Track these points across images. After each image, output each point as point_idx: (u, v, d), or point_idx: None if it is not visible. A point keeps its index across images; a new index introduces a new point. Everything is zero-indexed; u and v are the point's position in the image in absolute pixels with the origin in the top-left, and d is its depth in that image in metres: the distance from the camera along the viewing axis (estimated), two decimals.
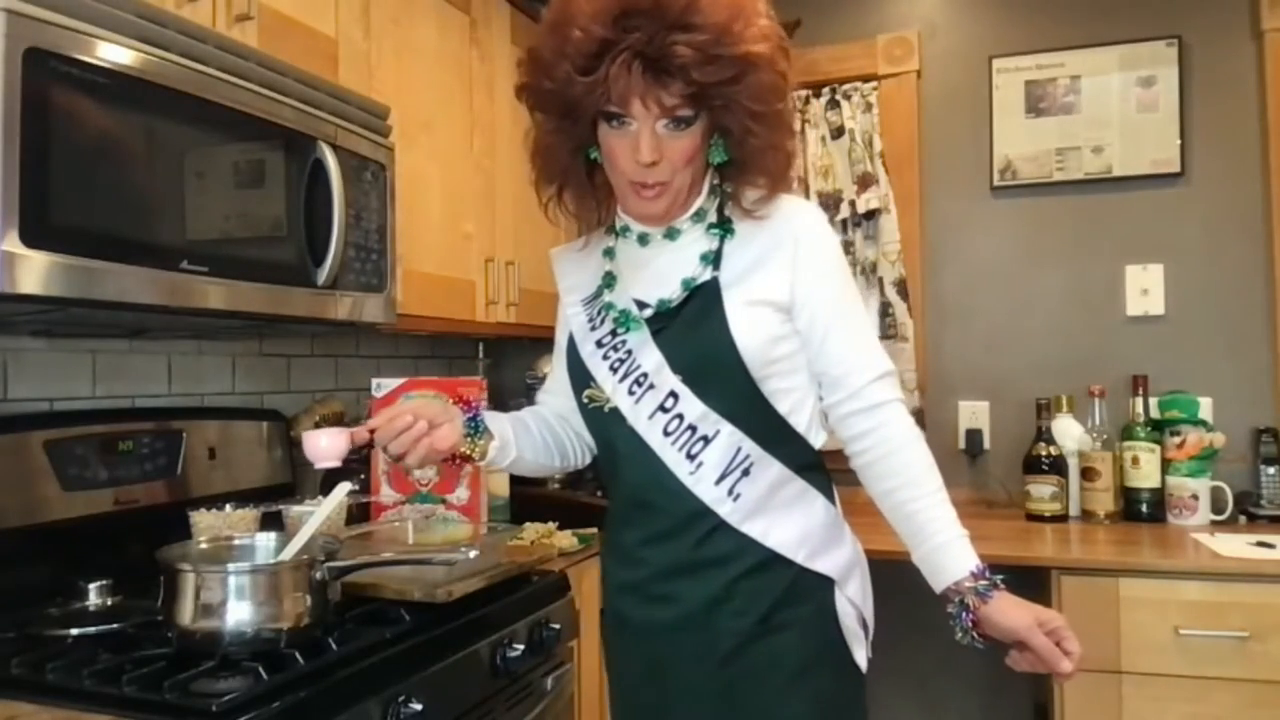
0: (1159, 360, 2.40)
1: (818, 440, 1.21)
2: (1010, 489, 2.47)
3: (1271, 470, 2.25)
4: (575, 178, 1.23)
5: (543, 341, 1.38)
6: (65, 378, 1.54)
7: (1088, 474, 2.29)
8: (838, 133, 2.63)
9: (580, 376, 1.24)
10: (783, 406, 1.17)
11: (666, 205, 1.18)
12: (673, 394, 1.15)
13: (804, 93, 2.65)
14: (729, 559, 1.15)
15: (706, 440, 1.14)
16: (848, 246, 2.63)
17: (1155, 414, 2.30)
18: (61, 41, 1.06)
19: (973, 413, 2.58)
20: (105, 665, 1.09)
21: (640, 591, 1.21)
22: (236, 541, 1.30)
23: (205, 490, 1.64)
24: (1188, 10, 2.42)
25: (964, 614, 1.13)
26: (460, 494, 1.85)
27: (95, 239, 1.10)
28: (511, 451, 1.28)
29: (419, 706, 1.15)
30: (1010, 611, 1.11)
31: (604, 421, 1.22)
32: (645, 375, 1.17)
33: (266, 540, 1.30)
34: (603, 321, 1.22)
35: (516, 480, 2.05)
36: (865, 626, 1.23)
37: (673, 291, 1.18)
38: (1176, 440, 2.24)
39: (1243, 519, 2.22)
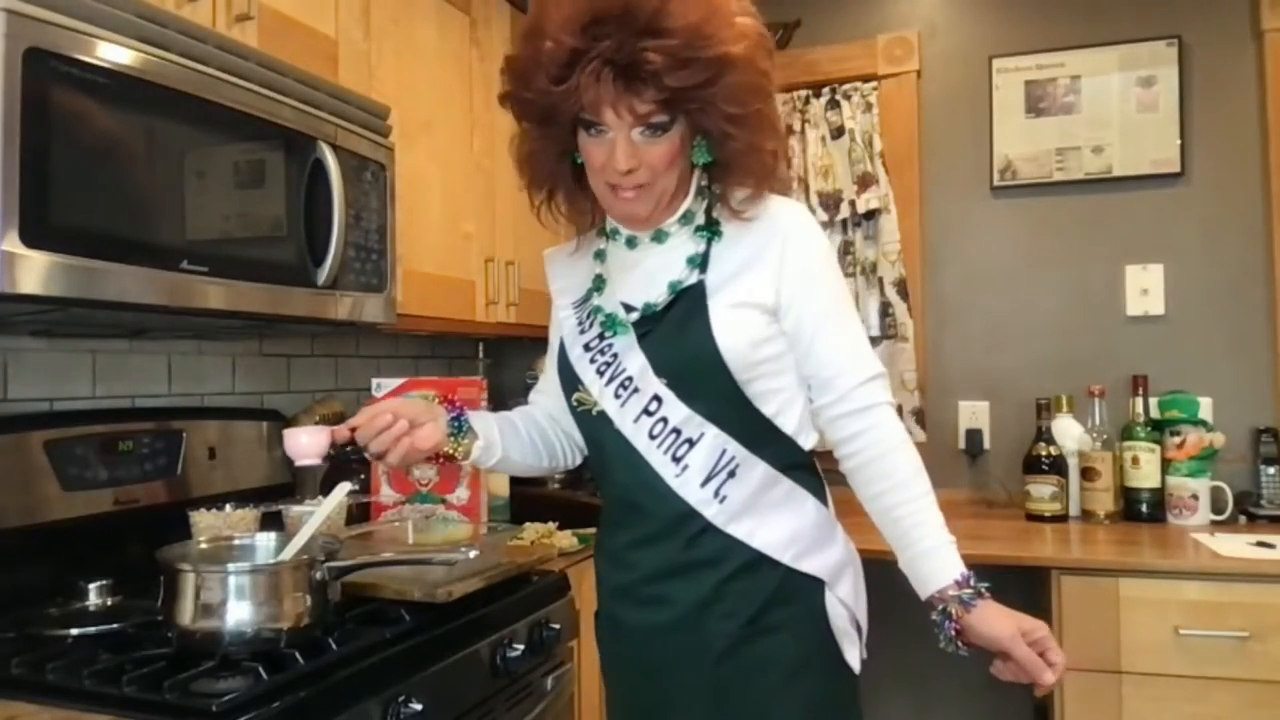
0: (1159, 360, 2.40)
1: (808, 441, 1.21)
2: (1010, 489, 2.47)
3: (1271, 470, 2.25)
4: (564, 182, 1.23)
5: (542, 341, 1.38)
6: (65, 378, 1.54)
7: (1088, 474, 2.29)
8: (838, 133, 2.63)
9: (569, 379, 1.24)
10: (769, 408, 1.17)
11: (649, 207, 1.17)
12: (656, 397, 1.15)
13: (804, 93, 2.65)
14: (717, 561, 1.15)
15: (691, 443, 1.14)
16: (847, 246, 2.63)
17: (1155, 414, 2.30)
18: (61, 41, 1.06)
19: (973, 413, 2.58)
20: (105, 665, 1.09)
21: (631, 594, 1.22)
22: (236, 541, 1.31)
23: (205, 490, 1.64)
24: (1188, 10, 2.42)
25: (947, 622, 1.13)
26: (460, 494, 1.86)
27: (95, 239, 1.10)
28: (497, 452, 1.29)
29: (419, 706, 1.15)
30: (994, 621, 1.11)
31: (592, 424, 1.22)
32: (630, 379, 1.17)
33: (266, 540, 1.30)
34: (591, 325, 1.23)
35: (516, 480, 2.05)
36: (858, 627, 1.22)
37: (659, 295, 1.18)
38: (1176, 440, 2.24)
39: (1243, 519, 2.21)
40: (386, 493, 1.85)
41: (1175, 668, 1.83)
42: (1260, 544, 1.94)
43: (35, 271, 1.03)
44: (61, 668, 1.09)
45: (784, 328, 1.17)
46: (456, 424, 1.24)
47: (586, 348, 1.22)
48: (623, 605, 1.23)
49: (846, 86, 2.63)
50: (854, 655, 1.21)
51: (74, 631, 1.22)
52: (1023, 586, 2.43)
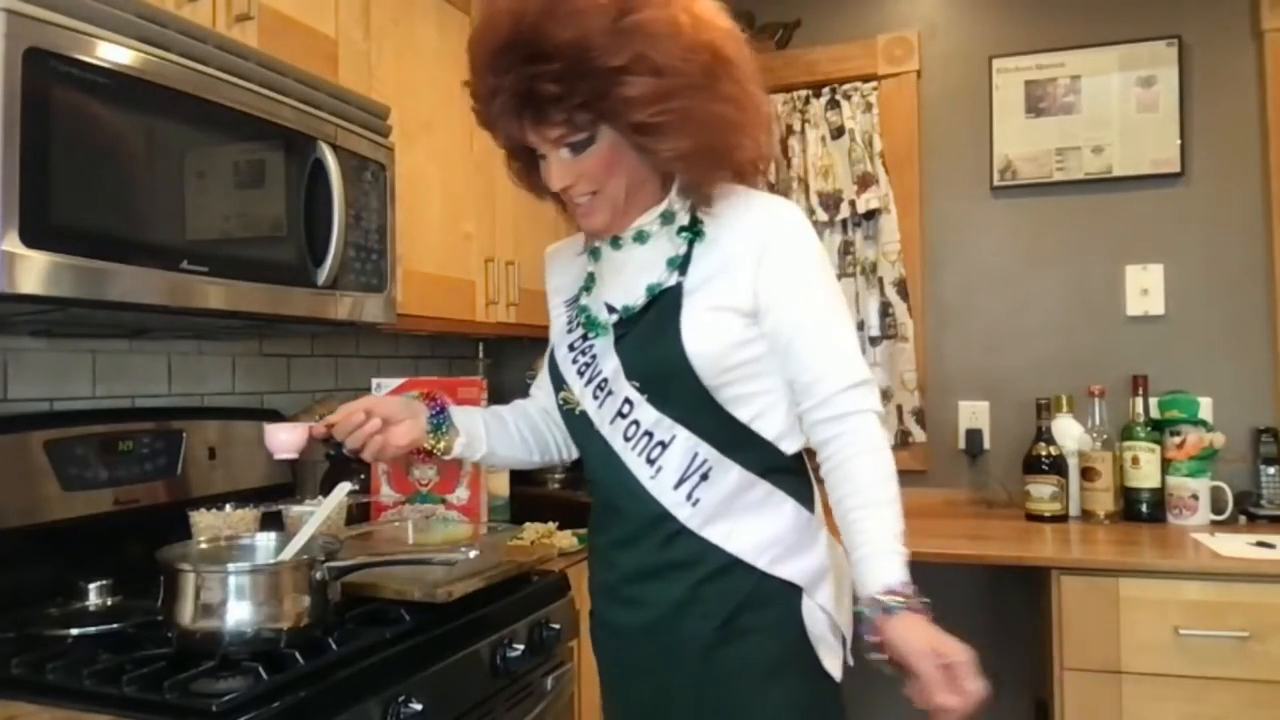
0: (1159, 360, 2.40)
1: (793, 445, 1.18)
2: (1010, 489, 2.47)
3: (1271, 470, 2.25)
4: (547, 190, 1.23)
5: (542, 341, 1.39)
6: (65, 378, 1.54)
7: (1088, 474, 2.29)
8: (838, 133, 2.62)
9: (556, 378, 1.25)
10: (746, 412, 1.15)
11: (605, 216, 1.17)
12: (628, 400, 1.15)
13: (804, 93, 2.66)
14: (692, 563, 1.15)
15: (664, 445, 1.14)
16: (847, 246, 2.63)
17: (1155, 414, 2.30)
18: (61, 41, 1.06)
19: (973, 413, 2.58)
20: (105, 665, 1.09)
21: (613, 594, 1.23)
22: (237, 541, 1.31)
23: (205, 490, 1.64)
24: (1188, 10, 2.42)
25: (865, 627, 1.10)
26: (460, 494, 1.85)
27: (95, 239, 1.10)
28: (481, 447, 1.31)
29: (419, 706, 1.15)
30: (910, 634, 1.05)
31: (576, 424, 1.23)
32: (606, 381, 1.17)
33: (266, 540, 1.30)
34: (576, 325, 1.23)
35: (516, 480, 2.05)
36: (840, 635, 1.19)
37: (636, 297, 1.18)
38: (1176, 440, 2.24)
39: (1243, 519, 2.21)
40: (386, 493, 1.85)
41: (1175, 668, 1.83)
42: (1260, 544, 1.94)
43: (35, 271, 1.02)
44: (61, 668, 1.09)
45: (764, 330, 1.15)
46: (436, 421, 1.26)
47: (571, 348, 1.23)
48: (607, 604, 1.25)
49: (846, 86, 2.63)
50: (834, 663, 1.18)
51: (74, 631, 1.22)
52: (1023, 586, 2.44)
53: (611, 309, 1.20)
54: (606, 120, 1.08)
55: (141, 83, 1.15)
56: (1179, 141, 2.42)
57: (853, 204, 2.59)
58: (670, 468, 1.14)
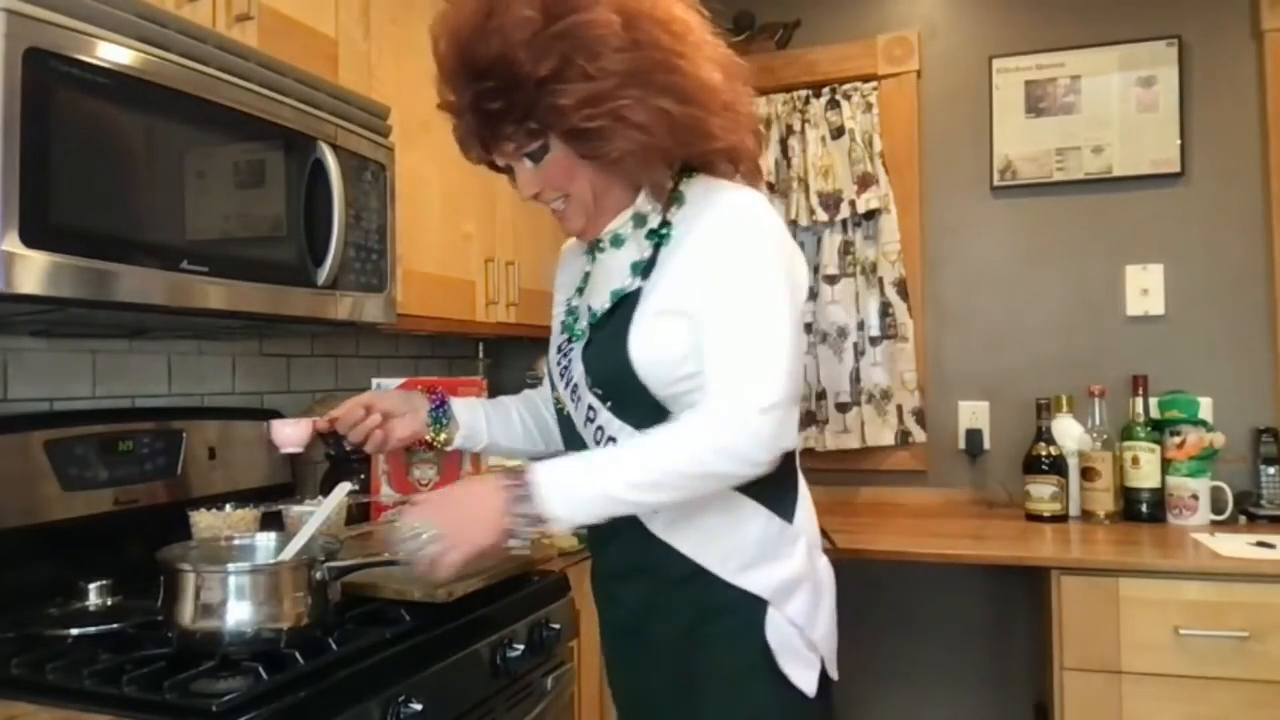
0: (1159, 360, 2.40)
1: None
2: (1010, 489, 2.47)
3: (1271, 470, 2.25)
4: None
5: (542, 341, 1.39)
6: (65, 378, 1.54)
7: (1088, 474, 2.29)
8: (838, 133, 2.62)
9: (550, 378, 1.27)
10: None
11: (580, 220, 1.18)
12: (592, 406, 1.16)
13: (804, 93, 2.65)
14: (656, 568, 1.15)
15: None
16: (847, 246, 2.63)
17: (1155, 414, 2.30)
18: (61, 41, 1.06)
19: (973, 413, 2.58)
20: (105, 665, 1.09)
21: (599, 588, 1.27)
22: (236, 541, 1.31)
23: (205, 490, 1.64)
24: (1188, 10, 2.42)
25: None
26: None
27: (95, 239, 1.10)
28: (482, 439, 1.33)
29: (419, 706, 1.15)
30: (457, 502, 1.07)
31: (563, 424, 1.25)
32: (577, 386, 1.18)
33: (266, 540, 1.30)
34: (564, 327, 1.25)
35: None
36: (814, 648, 1.14)
37: (604, 303, 1.18)
38: (1176, 440, 2.24)
39: (1243, 519, 2.21)
40: (386, 493, 1.85)
41: (1175, 668, 1.83)
42: (1260, 544, 1.94)
43: (35, 271, 1.02)
44: (61, 668, 1.09)
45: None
46: (437, 413, 1.29)
47: (558, 349, 1.24)
48: (597, 597, 1.28)
49: (846, 86, 2.63)
50: (805, 677, 1.13)
51: (74, 631, 1.22)
52: (1023, 586, 2.44)
53: (592, 313, 1.21)
54: (550, 129, 1.09)
55: (141, 83, 1.15)
56: (1179, 141, 2.42)
57: (853, 204, 2.59)
58: None
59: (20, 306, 1.11)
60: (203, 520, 1.43)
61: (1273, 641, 1.79)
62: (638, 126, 1.06)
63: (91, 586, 1.37)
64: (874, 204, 2.57)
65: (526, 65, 1.03)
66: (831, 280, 2.63)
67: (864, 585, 2.47)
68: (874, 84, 2.63)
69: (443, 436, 1.29)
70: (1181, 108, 2.41)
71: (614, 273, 1.18)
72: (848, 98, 2.62)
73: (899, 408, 2.58)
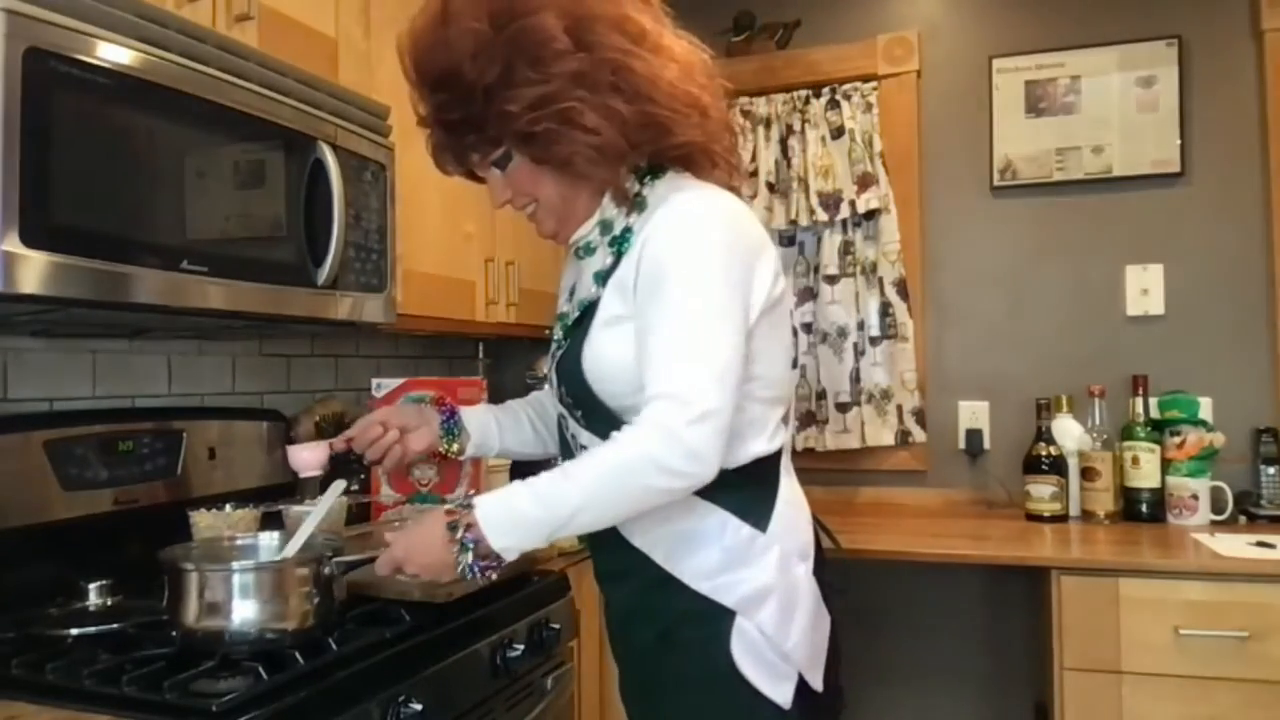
0: (1159, 360, 2.40)
1: (735, 459, 1.10)
2: (1010, 489, 2.47)
3: (1271, 470, 2.25)
4: None
5: (542, 341, 1.39)
6: (65, 378, 1.54)
7: (1088, 474, 2.29)
8: (838, 133, 2.62)
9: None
10: None
11: (552, 225, 1.19)
12: (563, 415, 1.20)
13: (804, 93, 2.65)
14: (632, 573, 1.16)
15: None
16: (847, 246, 2.63)
17: (1155, 414, 2.30)
18: (61, 41, 1.06)
19: (973, 413, 2.58)
20: (105, 665, 1.09)
21: (597, 581, 1.29)
22: (238, 541, 1.31)
23: (205, 490, 1.64)
24: (1188, 10, 2.42)
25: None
26: (460, 494, 1.85)
27: (95, 239, 1.10)
28: (493, 445, 1.35)
29: (419, 706, 1.15)
30: (408, 538, 1.09)
31: (559, 429, 1.27)
32: (559, 394, 1.21)
33: (269, 539, 1.30)
34: (553, 334, 1.26)
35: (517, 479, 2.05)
36: (787, 659, 1.11)
37: (574, 312, 1.19)
38: (1176, 440, 2.24)
39: (1243, 519, 2.21)
40: (386, 493, 1.85)
41: (1175, 668, 1.83)
42: (1260, 544, 1.94)
43: (35, 271, 1.02)
44: (61, 668, 1.09)
45: None
46: (448, 425, 1.30)
47: (550, 355, 1.25)
48: (600, 589, 1.30)
49: (846, 86, 2.63)
50: (778, 689, 1.10)
51: (74, 631, 1.22)
52: (1023, 586, 2.44)
53: (565, 322, 1.23)
54: (504, 136, 1.10)
55: (141, 83, 1.15)
56: (1179, 141, 2.42)
57: (853, 204, 2.59)
58: None
59: (20, 306, 1.11)
60: (203, 520, 1.43)
61: (1273, 641, 1.79)
62: (585, 128, 1.06)
63: (91, 586, 1.37)
64: (874, 204, 2.57)
65: (472, 75, 1.05)
66: (831, 280, 2.63)
67: (864, 585, 2.47)
68: (874, 84, 2.63)
69: (455, 447, 1.31)
70: (1181, 108, 2.41)
71: (585, 282, 1.19)
72: (848, 98, 2.62)
73: (899, 408, 2.58)
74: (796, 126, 2.66)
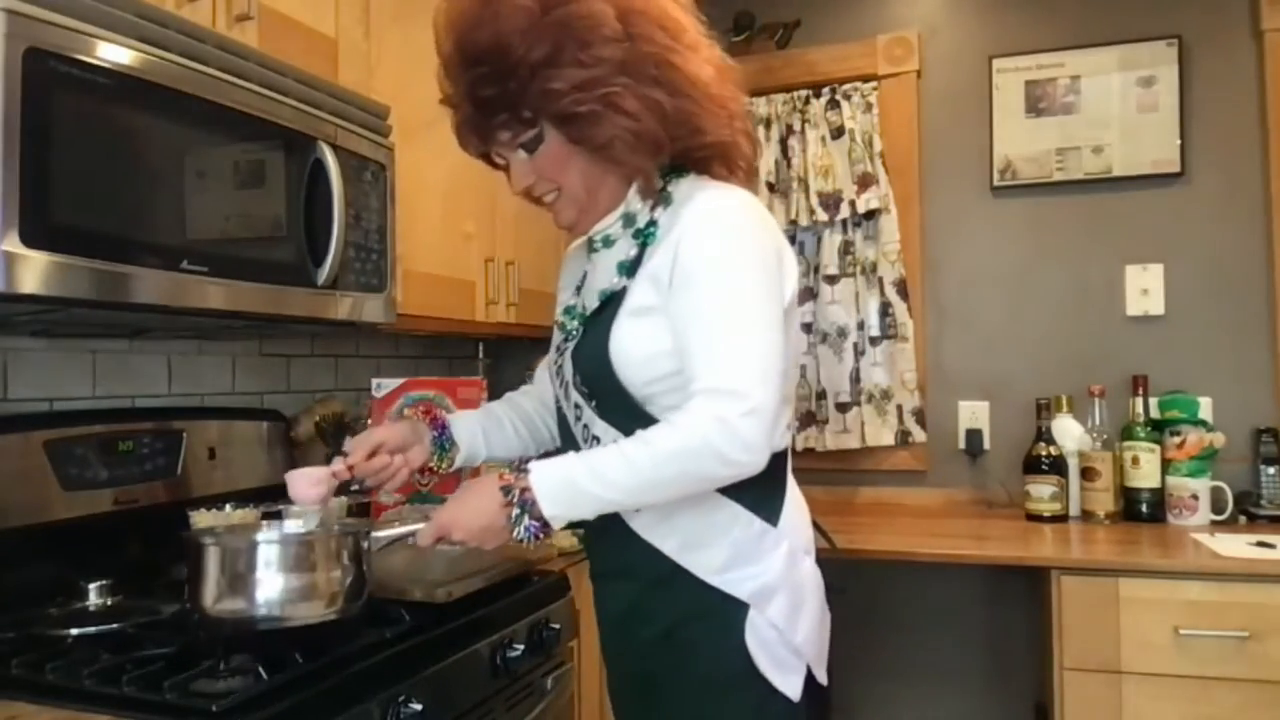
0: (1159, 360, 2.40)
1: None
2: (1010, 489, 2.47)
3: (1271, 470, 2.25)
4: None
5: (542, 341, 1.39)
6: (65, 378, 1.54)
7: (1088, 474, 2.29)
8: (838, 133, 2.62)
9: (550, 377, 1.29)
10: None
11: (572, 214, 1.18)
12: (578, 405, 1.18)
13: (804, 93, 2.65)
14: (638, 568, 1.16)
15: None
16: (847, 246, 2.63)
17: (1155, 414, 2.30)
18: (61, 41, 1.05)
19: (973, 413, 2.58)
20: (105, 665, 1.09)
21: (594, 580, 1.28)
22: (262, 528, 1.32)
23: (205, 490, 1.64)
24: (1188, 10, 2.42)
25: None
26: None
27: (95, 239, 1.10)
28: (480, 454, 1.35)
29: (419, 706, 1.15)
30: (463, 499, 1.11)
31: (561, 423, 1.26)
32: (568, 385, 1.19)
33: (294, 523, 1.31)
34: (562, 327, 1.26)
35: None
36: (797, 653, 1.14)
37: (593, 302, 1.19)
38: (1176, 440, 2.24)
39: (1243, 519, 2.21)
40: (386, 493, 1.85)
41: (1175, 668, 1.83)
42: (1260, 544, 1.94)
43: (35, 271, 1.02)
44: (61, 668, 1.09)
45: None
46: (440, 441, 1.30)
47: (556, 349, 1.25)
48: (594, 588, 1.29)
49: (846, 86, 2.63)
50: (789, 681, 1.12)
51: (74, 631, 1.22)
52: (1023, 586, 2.44)
53: (583, 312, 1.22)
54: (543, 115, 1.10)
55: (141, 83, 1.15)
56: (1179, 141, 2.42)
57: (853, 204, 2.59)
58: None
59: (20, 306, 1.11)
60: (203, 520, 1.43)
61: (1273, 641, 1.79)
62: (627, 113, 1.07)
63: (91, 586, 1.37)
64: (874, 204, 2.57)
65: (520, 51, 1.05)
66: (831, 280, 2.63)
67: (864, 585, 2.47)
68: (874, 84, 2.63)
69: (444, 464, 1.31)
70: (1181, 108, 2.41)
71: (604, 273, 1.19)
72: (848, 98, 2.62)
73: (899, 408, 2.58)
74: (796, 126, 2.66)
